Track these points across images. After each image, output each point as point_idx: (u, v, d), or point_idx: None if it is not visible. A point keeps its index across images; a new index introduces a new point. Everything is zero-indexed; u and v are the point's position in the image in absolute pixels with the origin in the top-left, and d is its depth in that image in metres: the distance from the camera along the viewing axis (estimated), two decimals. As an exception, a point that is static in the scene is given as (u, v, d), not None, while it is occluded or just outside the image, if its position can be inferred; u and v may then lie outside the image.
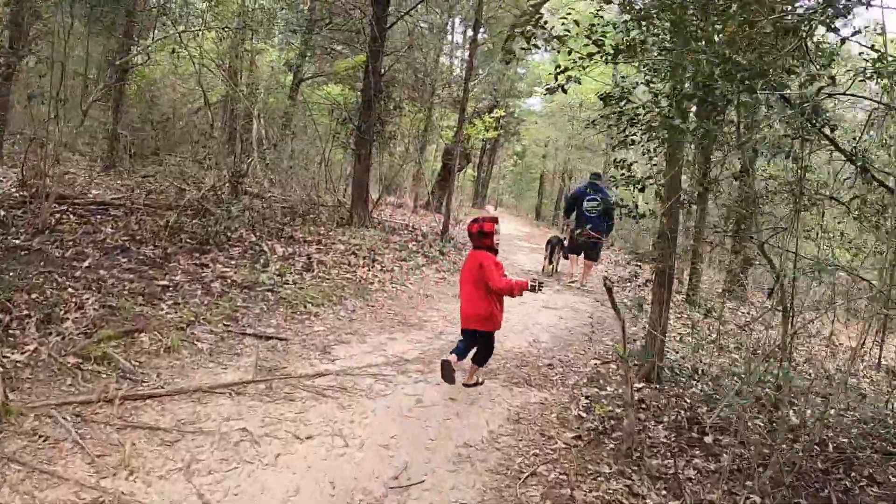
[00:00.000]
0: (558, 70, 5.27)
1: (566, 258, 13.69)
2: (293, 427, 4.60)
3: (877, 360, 11.37)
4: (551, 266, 13.93)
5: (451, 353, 5.71)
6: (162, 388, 4.92)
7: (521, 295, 5.63)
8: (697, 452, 5.15)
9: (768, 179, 5.86)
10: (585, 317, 10.19)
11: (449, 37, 23.93)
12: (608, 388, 6.51)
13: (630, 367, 5.07)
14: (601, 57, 5.01)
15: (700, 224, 13.48)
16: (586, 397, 6.12)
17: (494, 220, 5.93)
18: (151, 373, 5.17)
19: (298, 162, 16.16)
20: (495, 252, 5.87)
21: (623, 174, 6.02)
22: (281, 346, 6.31)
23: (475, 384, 6.01)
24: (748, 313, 14.33)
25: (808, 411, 6.85)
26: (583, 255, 13.17)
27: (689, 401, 6.38)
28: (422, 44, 17.94)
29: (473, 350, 5.92)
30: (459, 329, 6.12)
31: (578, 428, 5.34)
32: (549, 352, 7.70)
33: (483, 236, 5.80)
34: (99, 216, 9.39)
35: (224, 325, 6.48)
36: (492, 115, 23.34)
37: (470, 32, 19.51)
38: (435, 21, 19.87)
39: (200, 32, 14.72)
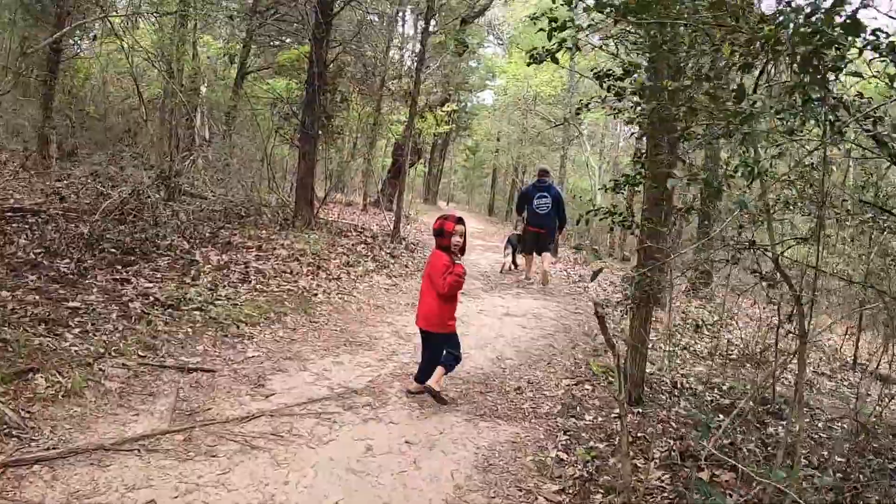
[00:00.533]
0: (553, 25, 4.09)
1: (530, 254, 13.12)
2: (214, 495, 3.70)
3: (852, 360, 10.93)
4: (514, 266, 13.43)
5: (414, 380, 5.78)
6: (55, 447, 3.98)
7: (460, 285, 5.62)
8: (698, 497, 4.40)
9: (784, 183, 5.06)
10: (550, 325, 9.44)
11: (399, 28, 23.06)
12: (587, 417, 5.73)
13: (626, 408, 4.27)
14: (610, 13, 3.85)
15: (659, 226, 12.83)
16: (564, 432, 5.32)
17: (457, 221, 5.67)
18: (45, 426, 4.21)
19: (240, 159, 15.20)
20: (452, 253, 5.63)
21: (639, 171, 5.15)
22: (206, 379, 5.38)
23: (439, 395, 5.56)
24: (713, 311, 13.77)
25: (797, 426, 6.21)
26: (535, 251, 12.70)
27: (675, 426, 5.67)
28: (371, 34, 17.04)
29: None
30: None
31: (560, 477, 4.52)
32: (515, 371, 6.90)
33: (438, 235, 5.61)
34: (15, 224, 8.39)
35: (139, 356, 5.52)
36: (444, 108, 22.56)
37: (421, 23, 18.62)
38: (385, 10, 18.98)
39: (132, 20, 13.75)
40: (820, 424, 6.63)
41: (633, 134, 22.24)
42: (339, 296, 8.77)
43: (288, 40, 18.47)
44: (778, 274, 4.12)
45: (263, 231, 11.28)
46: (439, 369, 5.55)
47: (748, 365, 8.58)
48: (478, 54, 33.12)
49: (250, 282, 8.21)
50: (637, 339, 6.25)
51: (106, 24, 13.10)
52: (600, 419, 5.70)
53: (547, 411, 5.80)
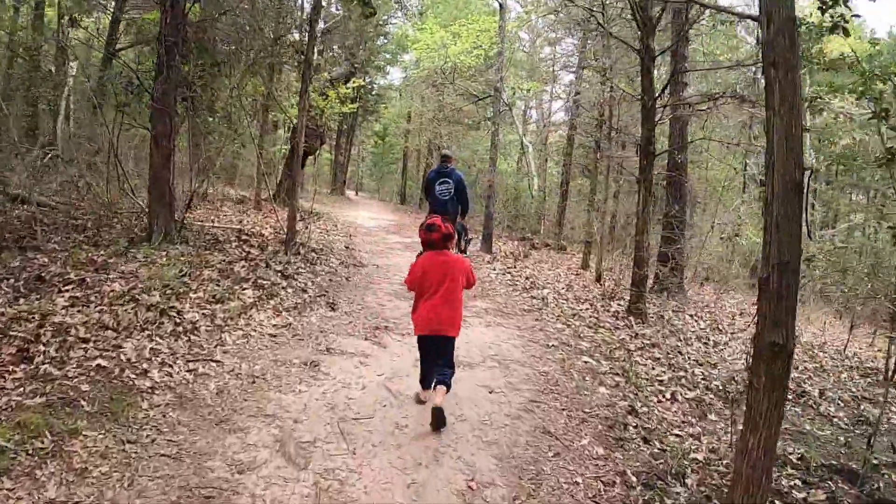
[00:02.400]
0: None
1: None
2: None
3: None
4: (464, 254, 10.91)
5: (423, 388, 5.46)
6: None
7: None
8: None
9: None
10: (525, 379, 6.34)
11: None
12: None
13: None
14: None
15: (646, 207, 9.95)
16: None
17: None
18: None
19: (94, 152, 11.68)
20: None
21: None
22: None
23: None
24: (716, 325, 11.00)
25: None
26: None
27: None
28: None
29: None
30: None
31: None
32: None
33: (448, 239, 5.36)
34: None
35: None
36: (349, 85, 19.22)
37: None
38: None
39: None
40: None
41: (496, 112, 19.46)
42: (190, 366, 5.33)
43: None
44: None
45: (102, 251, 7.83)
46: (441, 389, 5.11)
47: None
48: (385, 29, 29.93)
49: (33, 360, 4.75)
50: (759, 466, 3.20)
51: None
52: None
53: None
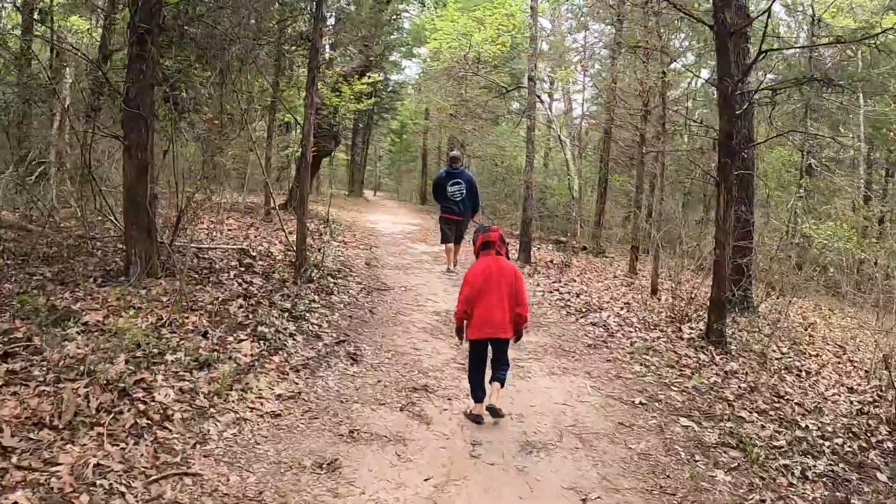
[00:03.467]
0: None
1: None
2: None
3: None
4: None
5: (476, 403, 5.25)
6: None
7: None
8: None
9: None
10: (620, 463, 4.64)
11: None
12: None
13: None
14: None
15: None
16: None
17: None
18: None
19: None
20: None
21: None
22: None
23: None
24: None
25: None
26: (454, 240, 11.79)
27: None
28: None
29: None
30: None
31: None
32: None
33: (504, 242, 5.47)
34: None
35: None
36: (363, 80, 17.61)
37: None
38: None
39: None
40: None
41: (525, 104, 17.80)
42: (152, 490, 3.56)
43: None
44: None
45: (69, 293, 6.23)
46: (496, 386, 5.21)
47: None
48: (399, 23, 28.23)
49: None
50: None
51: None
52: None
53: None
